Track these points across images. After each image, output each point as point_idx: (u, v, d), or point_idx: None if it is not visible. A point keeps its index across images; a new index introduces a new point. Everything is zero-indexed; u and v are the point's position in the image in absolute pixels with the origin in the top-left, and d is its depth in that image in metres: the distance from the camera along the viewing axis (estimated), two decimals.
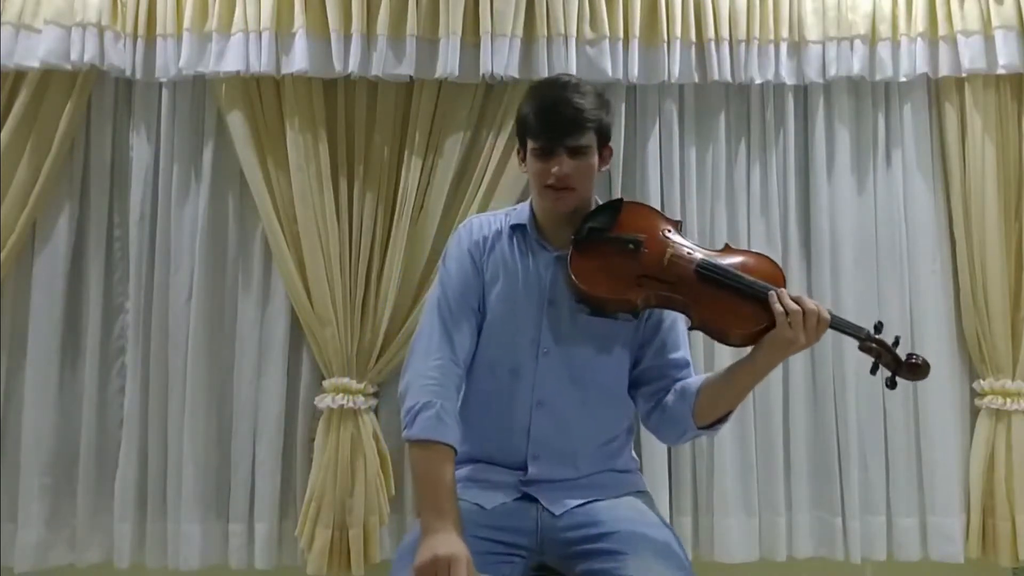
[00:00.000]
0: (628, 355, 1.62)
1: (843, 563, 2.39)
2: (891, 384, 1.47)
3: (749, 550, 2.36)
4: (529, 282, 1.60)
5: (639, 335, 1.62)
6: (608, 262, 1.51)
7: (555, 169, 1.51)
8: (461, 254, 1.63)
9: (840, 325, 1.47)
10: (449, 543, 1.34)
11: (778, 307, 1.41)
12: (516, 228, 1.63)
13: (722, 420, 1.54)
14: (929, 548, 2.39)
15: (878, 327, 1.47)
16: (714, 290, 1.46)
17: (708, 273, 1.47)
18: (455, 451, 1.49)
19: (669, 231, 1.54)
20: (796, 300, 1.42)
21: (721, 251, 1.56)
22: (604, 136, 1.57)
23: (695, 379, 1.57)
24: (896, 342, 1.46)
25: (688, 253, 1.50)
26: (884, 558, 2.40)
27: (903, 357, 1.45)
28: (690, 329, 1.53)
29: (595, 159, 1.55)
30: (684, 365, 1.62)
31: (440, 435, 1.47)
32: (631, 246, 1.51)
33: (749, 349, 1.47)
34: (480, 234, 1.64)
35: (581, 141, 1.51)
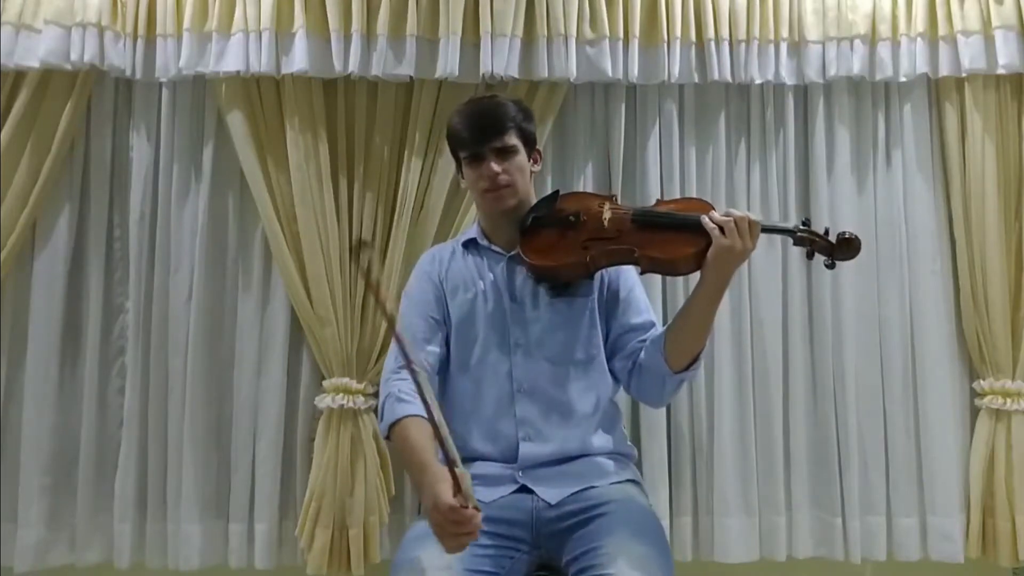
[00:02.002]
0: (597, 328, 1.72)
1: (843, 563, 2.39)
2: (830, 265, 1.62)
3: (749, 550, 2.36)
4: (488, 286, 1.71)
5: (602, 307, 1.73)
6: (555, 238, 1.67)
7: (487, 171, 1.65)
8: (421, 277, 1.78)
9: (771, 226, 1.66)
10: (433, 492, 1.34)
11: (710, 223, 1.54)
12: (467, 244, 1.78)
13: (696, 360, 1.62)
14: (929, 548, 2.39)
15: (806, 222, 1.64)
16: (652, 231, 1.62)
17: (643, 218, 1.63)
18: (424, 419, 1.52)
19: (604, 203, 1.69)
20: (725, 213, 1.55)
21: (653, 205, 1.72)
22: (528, 138, 1.73)
23: (662, 329, 1.67)
24: (826, 231, 1.59)
25: (624, 210, 1.66)
26: (884, 558, 2.40)
27: (834, 239, 1.60)
28: (641, 273, 1.65)
29: (523, 158, 1.71)
30: (650, 326, 1.72)
31: (401, 411, 1.57)
32: (572, 218, 1.67)
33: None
34: (437, 257, 1.80)
35: (505, 142, 1.66)
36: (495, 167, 1.65)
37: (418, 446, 1.50)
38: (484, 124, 1.66)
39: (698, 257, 1.56)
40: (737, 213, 1.54)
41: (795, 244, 1.63)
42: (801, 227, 1.61)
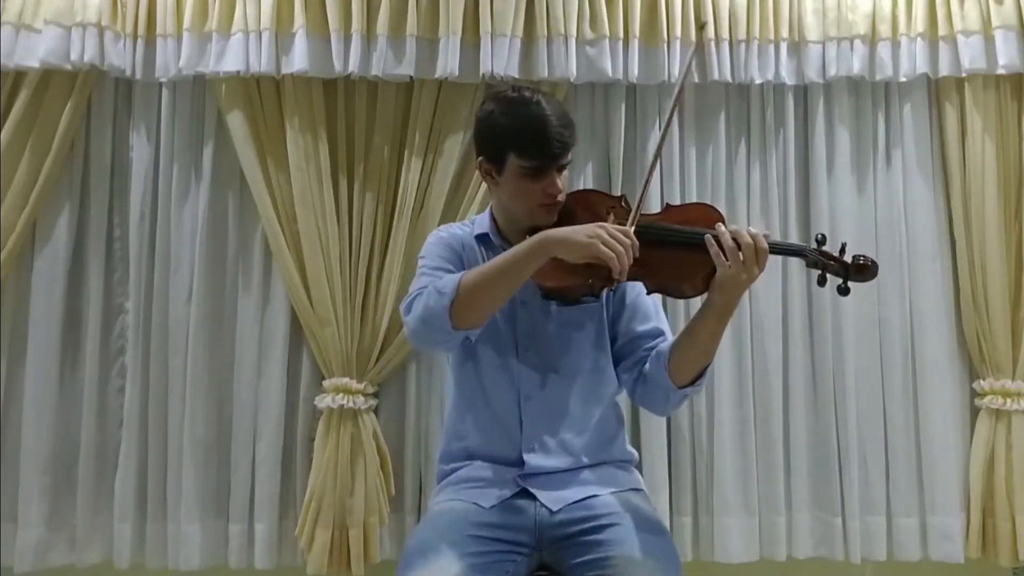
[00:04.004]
0: (605, 335, 1.67)
1: (843, 563, 2.39)
2: (843, 291, 1.48)
3: (749, 550, 2.36)
4: None
5: (609, 312, 1.67)
6: None
7: (551, 189, 1.56)
8: (442, 244, 1.68)
9: (782, 249, 1.52)
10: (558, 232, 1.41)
11: (714, 248, 1.43)
12: (480, 238, 1.69)
13: (701, 375, 1.55)
14: (929, 548, 2.39)
15: (820, 240, 1.49)
16: (657, 250, 1.51)
17: (647, 235, 1.51)
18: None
19: (611, 208, 1.59)
20: (734, 236, 1.43)
21: (660, 212, 1.61)
22: None
23: (669, 343, 1.60)
24: (843, 249, 1.47)
25: (628, 224, 1.54)
26: (884, 558, 2.40)
27: (850, 261, 1.47)
28: (649, 293, 1.56)
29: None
30: (658, 334, 1.65)
31: (456, 276, 1.49)
32: None
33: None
34: (456, 236, 1.70)
35: (570, 157, 1.58)
36: (560, 185, 1.56)
37: (494, 259, 1.48)
38: (559, 140, 1.53)
39: (705, 280, 1.46)
40: (746, 238, 1.42)
41: (808, 266, 1.51)
42: (816, 248, 1.48)
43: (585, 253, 1.40)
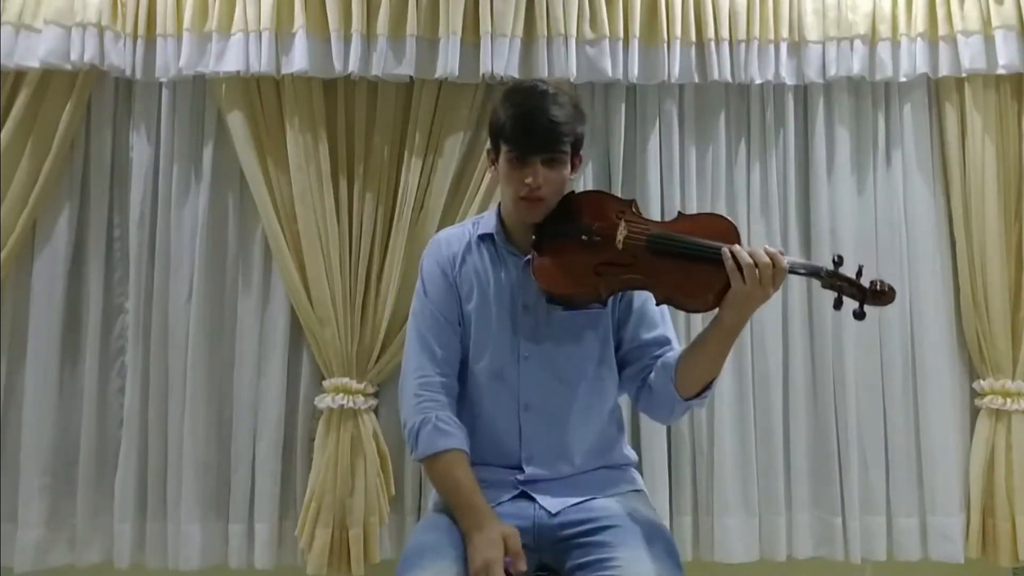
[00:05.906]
0: (609, 341, 1.64)
1: (843, 563, 2.39)
2: (859, 315, 1.44)
3: (749, 550, 2.36)
4: (502, 291, 1.62)
5: (615, 317, 1.64)
6: (566, 258, 1.54)
7: (529, 180, 1.52)
8: (433, 272, 1.67)
9: (799, 269, 1.47)
10: (486, 545, 1.41)
11: (730, 263, 1.40)
12: (484, 238, 1.66)
13: (707, 388, 1.54)
14: (929, 548, 2.39)
15: (838, 261, 1.44)
16: (670, 261, 1.47)
17: (660, 245, 1.48)
18: (465, 452, 1.54)
19: (621, 213, 1.55)
20: (751, 253, 1.40)
21: (674, 220, 1.57)
22: (577, 146, 1.59)
23: (675, 352, 1.58)
24: (859, 272, 1.43)
25: (640, 231, 1.51)
26: (884, 558, 2.40)
27: (867, 285, 1.43)
28: (657, 304, 1.52)
29: (567, 171, 1.58)
30: (664, 342, 1.63)
31: (443, 444, 1.53)
32: (584, 238, 1.54)
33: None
34: (449, 251, 1.67)
35: (556, 152, 1.53)
36: (540, 178, 1.51)
37: (467, 487, 1.51)
38: (541, 129, 1.50)
39: (717, 296, 1.42)
40: (763, 257, 1.39)
41: (824, 288, 1.45)
42: (832, 270, 1.43)
43: None
